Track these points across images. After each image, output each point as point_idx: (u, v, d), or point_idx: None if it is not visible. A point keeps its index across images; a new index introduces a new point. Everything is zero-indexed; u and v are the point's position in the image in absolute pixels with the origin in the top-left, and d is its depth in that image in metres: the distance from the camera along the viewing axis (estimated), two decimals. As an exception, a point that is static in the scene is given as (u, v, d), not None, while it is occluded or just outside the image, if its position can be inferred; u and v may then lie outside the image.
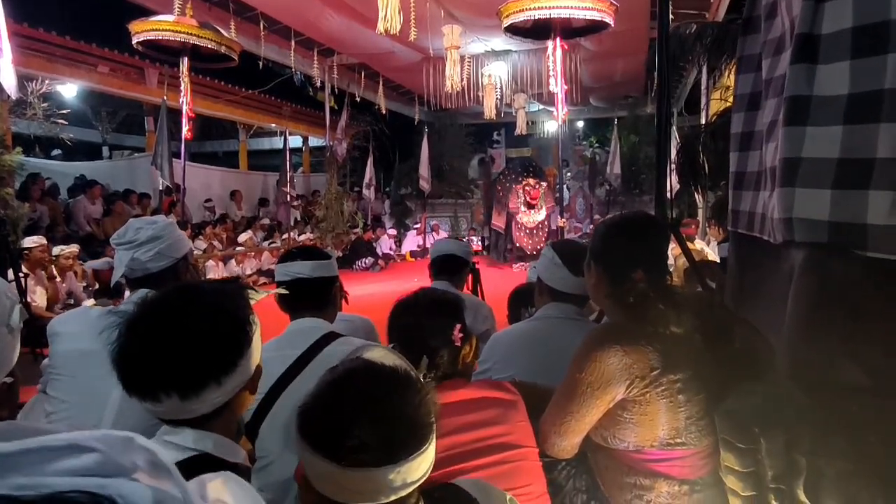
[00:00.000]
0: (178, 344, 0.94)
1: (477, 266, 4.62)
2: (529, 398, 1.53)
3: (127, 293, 1.88)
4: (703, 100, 7.85)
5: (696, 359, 1.38)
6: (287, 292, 1.73)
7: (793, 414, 1.07)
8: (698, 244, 6.39)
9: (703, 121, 7.70)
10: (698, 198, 7.15)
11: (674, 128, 7.91)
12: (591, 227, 12.78)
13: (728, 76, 4.49)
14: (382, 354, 1.01)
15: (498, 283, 6.00)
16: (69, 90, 9.41)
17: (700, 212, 9.16)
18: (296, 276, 1.80)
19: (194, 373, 0.94)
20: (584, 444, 1.46)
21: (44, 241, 5.91)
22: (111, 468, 0.32)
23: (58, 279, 6.14)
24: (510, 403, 1.38)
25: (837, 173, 1.14)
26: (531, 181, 10.58)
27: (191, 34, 5.89)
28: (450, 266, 2.79)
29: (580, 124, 16.86)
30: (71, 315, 1.73)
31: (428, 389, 0.92)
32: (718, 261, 4.79)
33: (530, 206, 10.42)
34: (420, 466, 0.86)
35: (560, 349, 1.64)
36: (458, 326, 1.39)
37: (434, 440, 0.89)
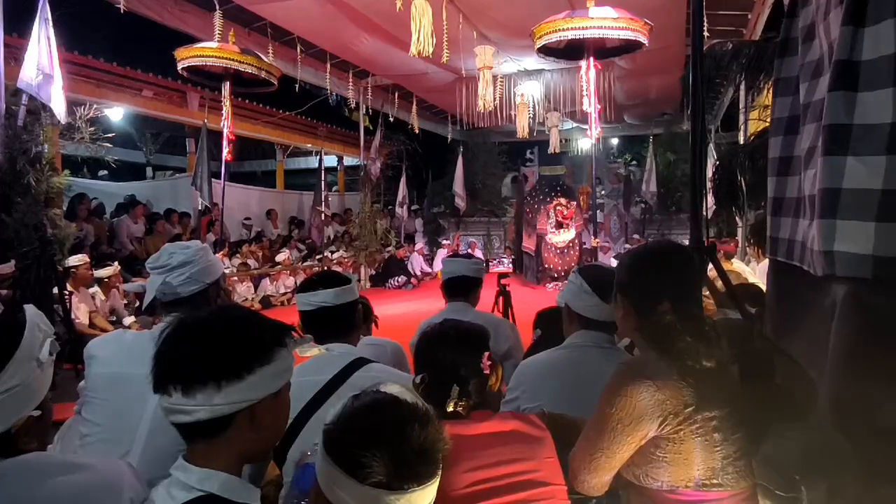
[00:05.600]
0: (192, 338, 1.01)
1: (508, 288, 4.61)
2: (558, 429, 1.50)
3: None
4: (741, 118, 7.69)
5: (733, 395, 1.32)
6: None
7: (835, 460, 1.01)
8: (736, 264, 6.22)
9: (741, 139, 7.54)
10: (737, 218, 6.98)
11: (711, 145, 7.76)
12: (626, 245, 12.58)
13: (766, 95, 4.39)
14: (400, 390, 1.04)
15: (530, 303, 5.94)
16: (116, 113, 9.79)
17: (739, 231, 8.94)
18: (319, 305, 1.81)
19: (198, 367, 0.97)
20: (615, 481, 1.41)
21: (87, 259, 6.11)
22: None
23: (102, 298, 6.34)
24: (538, 440, 1.35)
25: (882, 205, 1.09)
26: (562, 200, 10.50)
27: (233, 60, 6.08)
28: (463, 287, 2.74)
29: (615, 141, 16.70)
30: (106, 338, 1.77)
31: (442, 429, 1.00)
32: (759, 282, 4.64)
33: (560, 226, 10.35)
34: (425, 497, 0.95)
35: (590, 378, 1.60)
36: (487, 355, 1.41)
37: (439, 476, 0.97)
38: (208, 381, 0.96)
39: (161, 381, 0.99)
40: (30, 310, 1.05)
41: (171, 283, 1.73)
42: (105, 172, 12.65)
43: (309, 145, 13.14)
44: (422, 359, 1.45)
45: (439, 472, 0.96)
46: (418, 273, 12.31)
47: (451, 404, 1.32)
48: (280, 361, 1.03)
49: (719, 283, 4.44)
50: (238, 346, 1.00)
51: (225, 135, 6.64)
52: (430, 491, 0.94)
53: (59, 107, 5.05)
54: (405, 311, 7.81)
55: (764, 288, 2.50)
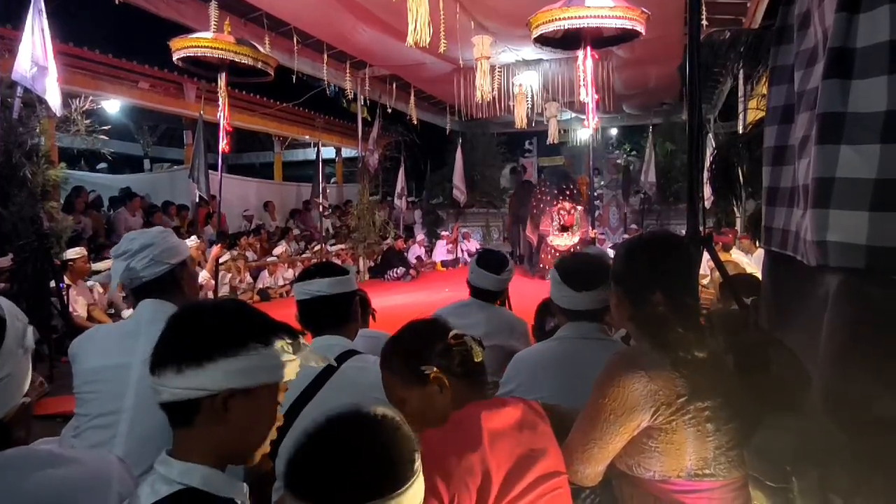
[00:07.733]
0: (172, 323, 1.02)
1: (506, 280, 4.57)
2: (553, 421, 1.49)
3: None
4: (740, 107, 7.65)
5: (727, 385, 1.32)
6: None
7: (828, 451, 1.01)
8: (734, 255, 6.21)
9: (739, 129, 7.50)
10: (735, 208, 6.95)
11: (709, 135, 7.72)
12: (625, 236, 12.56)
13: (765, 84, 4.36)
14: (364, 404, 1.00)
15: (525, 294, 5.92)
16: (112, 105, 9.74)
17: (738, 221, 8.92)
18: (315, 294, 1.80)
19: (164, 349, 0.99)
20: (608, 471, 1.41)
21: (84, 252, 6.10)
22: None
23: (100, 290, 6.33)
24: (546, 428, 1.33)
25: (875, 194, 1.08)
26: (566, 205, 10.37)
27: (229, 50, 6.02)
28: (487, 295, 2.73)
29: (614, 132, 16.64)
30: (85, 335, 1.80)
31: (402, 427, 0.93)
32: (758, 272, 4.63)
33: (564, 230, 10.26)
34: (414, 496, 0.88)
35: (583, 370, 1.60)
36: (450, 332, 1.33)
37: (417, 481, 0.90)
38: (170, 364, 0.97)
39: (150, 361, 1.02)
40: (3, 301, 1.04)
41: (135, 268, 1.75)
42: (104, 165, 12.63)
43: (307, 137, 13.08)
44: (405, 365, 1.36)
45: (417, 468, 0.90)
46: (420, 256, 12.32)
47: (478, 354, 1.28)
48: (255, 358, 0.98)
49: (716, 275, 4.43)
50: (202, 333, 0.99)
51: (221, 126, 6.60)
52: (414, 490, 0.89)
53: (54, 99, 5.02)
54: (404, 303, 7.80)
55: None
